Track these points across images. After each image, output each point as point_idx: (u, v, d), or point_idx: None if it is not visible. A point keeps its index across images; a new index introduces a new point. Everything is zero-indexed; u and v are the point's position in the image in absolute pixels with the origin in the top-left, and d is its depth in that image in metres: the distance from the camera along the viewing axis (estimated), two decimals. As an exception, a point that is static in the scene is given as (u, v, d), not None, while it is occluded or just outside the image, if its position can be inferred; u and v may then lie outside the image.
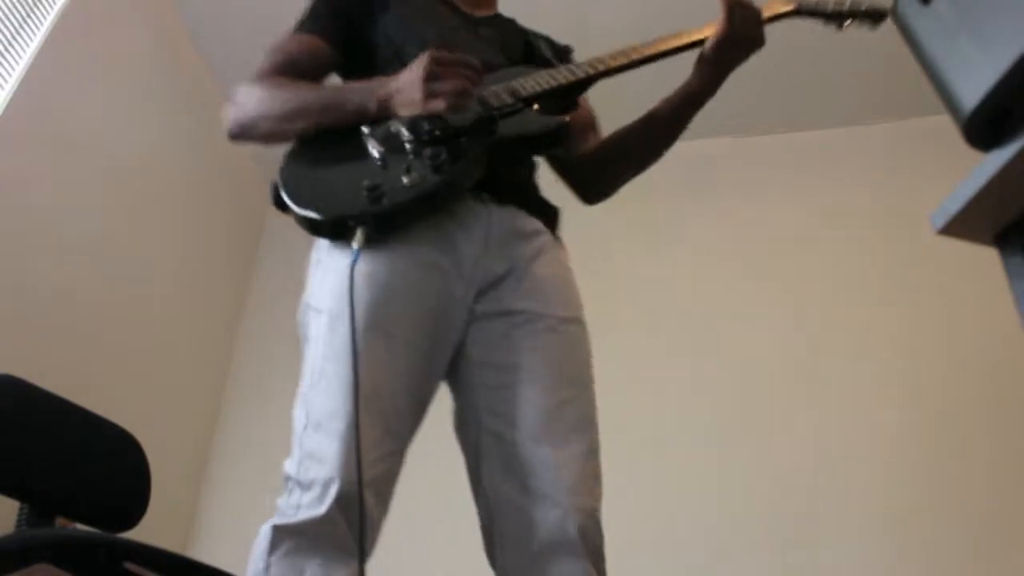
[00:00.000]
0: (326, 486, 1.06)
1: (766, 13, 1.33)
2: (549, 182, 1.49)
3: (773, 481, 2.63)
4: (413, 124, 1.19)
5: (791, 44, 2.01)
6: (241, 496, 3.08)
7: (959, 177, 0.57)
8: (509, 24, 1.59)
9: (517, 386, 1.22)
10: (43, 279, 2.48)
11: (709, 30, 1.31)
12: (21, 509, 1.49)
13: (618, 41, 1.37)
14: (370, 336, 1.14)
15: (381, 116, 1.23)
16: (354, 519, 1.04)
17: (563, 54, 1.56)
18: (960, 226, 0.60)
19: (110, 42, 2.88)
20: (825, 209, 3.08)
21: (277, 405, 3.22)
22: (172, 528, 2.93)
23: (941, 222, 0.61)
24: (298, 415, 1.17)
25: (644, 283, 3.01)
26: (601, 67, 1.32)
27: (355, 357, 1.08)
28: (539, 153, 1.44)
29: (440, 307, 1.22)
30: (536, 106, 1.28)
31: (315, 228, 1.20)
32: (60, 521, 1.57)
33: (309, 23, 1.43)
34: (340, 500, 1.05)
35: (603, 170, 1.48)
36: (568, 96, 1.35)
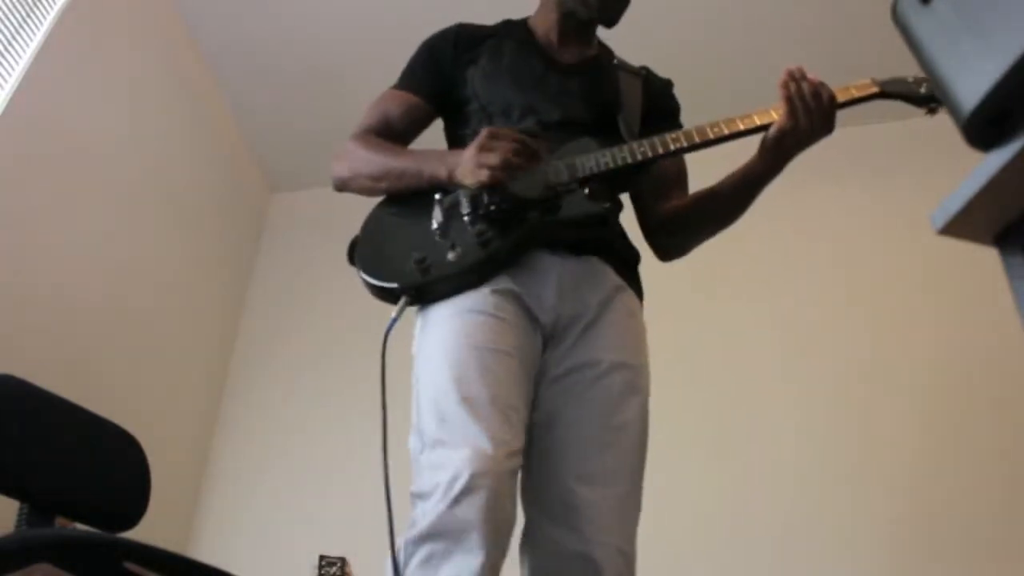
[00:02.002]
0: (450, 484, 1.07)
1: (841, 98, 1.30)
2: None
3: (786, 489, 2.63)
4: (474, 198, 1.28)
5: (791, 45, 2.01)
6: (241, 496, 3.09)
7: (959, 177, 0.57)
8: (602, 70, 1.56)
9: (558, 432, 1.27)
10: (43, 279, 2.48)
11: (776, 114, 1.31)
12: (21, 509, 1.49)
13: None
14: (471, 353, 1.19)
15: (452, 185, 1.32)
16: (491, 509, 1.05)
17: (662, 89, 1.60)
18: (960, 226, 0.60)
19: (109, 42, 2.88)
20: (825, 209, 3.08)
21: (277, 405, 3.25)
22: (172, 528, 2.93)
23: (941, 222, 0.60)
24: (413, 442, 1.20)
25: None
26: (661, 149, 1.35)
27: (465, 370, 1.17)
28: (582, 233, 1.45)
29: (520, 323, 1.28)
30: (587, 190, 1.33)
31: (371, 291, 1.33)
32: (60, 521, 1.57)
33: (406, 80, 1.54)
34: (469, 490, 1.05)
35: (675, 234, 1.54)
36: (628, 174, 1.39)
